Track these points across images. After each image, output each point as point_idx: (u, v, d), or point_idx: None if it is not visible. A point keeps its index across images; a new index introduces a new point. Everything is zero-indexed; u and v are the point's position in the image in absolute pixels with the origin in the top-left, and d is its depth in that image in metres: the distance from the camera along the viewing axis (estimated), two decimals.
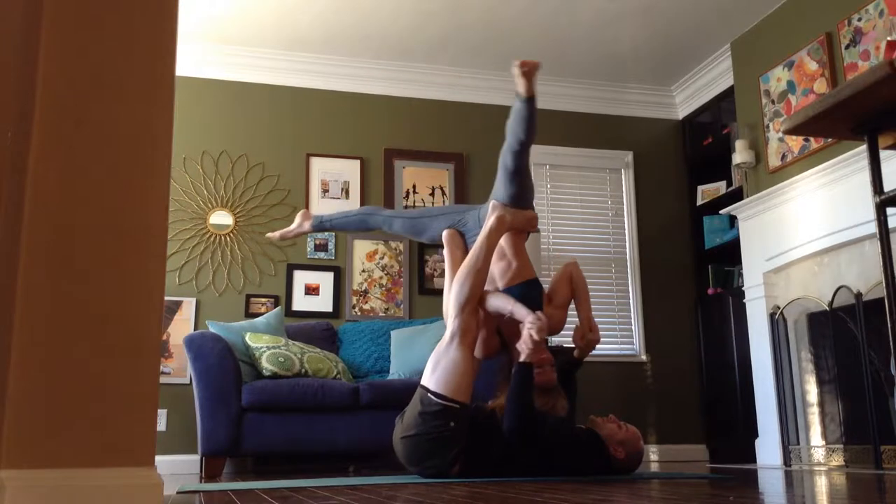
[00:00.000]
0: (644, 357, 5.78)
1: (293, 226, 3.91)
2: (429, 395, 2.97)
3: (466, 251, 3.42)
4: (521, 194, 3.42)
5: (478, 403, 3.16)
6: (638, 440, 3.10)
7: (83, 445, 1.35)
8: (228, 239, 5.28)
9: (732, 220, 5.45)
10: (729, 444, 5.35)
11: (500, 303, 3.20)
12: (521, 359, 3.00)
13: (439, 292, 5.49)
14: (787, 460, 4.53)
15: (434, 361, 3.06)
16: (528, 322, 3.01)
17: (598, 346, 3.48)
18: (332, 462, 4.73)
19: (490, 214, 3.33)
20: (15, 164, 1.48)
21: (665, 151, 6.19)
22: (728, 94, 5.63)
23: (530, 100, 3.25)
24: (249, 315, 5.13)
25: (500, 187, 3.42)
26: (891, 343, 2.32)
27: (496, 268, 3.35)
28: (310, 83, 5.64)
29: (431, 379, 3.01)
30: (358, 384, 4.36)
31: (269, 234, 4.07)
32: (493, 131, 5.85)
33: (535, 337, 2.97)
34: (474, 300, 3.13)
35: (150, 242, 1.48)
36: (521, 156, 3.34)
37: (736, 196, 5.35)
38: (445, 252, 3.50)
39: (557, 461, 3.00)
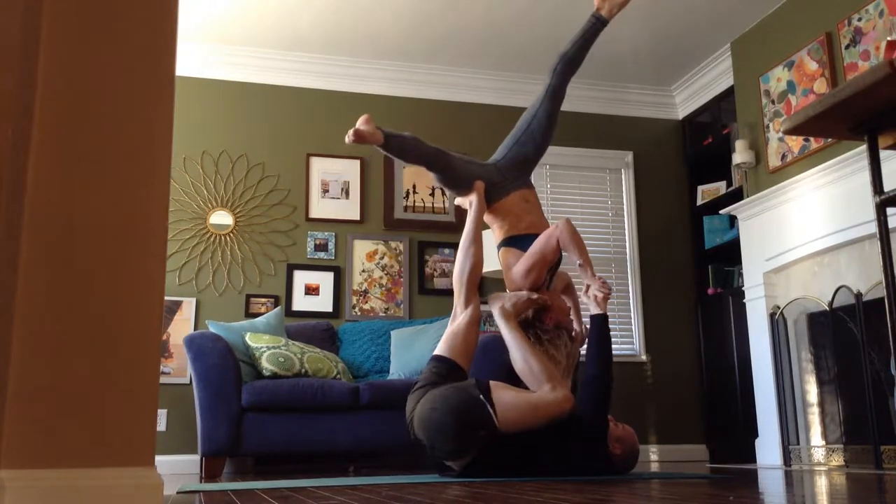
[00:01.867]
0: (644, 357, 5.78)
1: (368, 127, 3.34)
2: (487, 405, 2.95)
3: (485, 209, 3.48)
4: (546, 144, 3.68)
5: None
6: (634, 438, 3.14)
7: (83, 445, 1.35)
8: (228, 239, 5.28)
9: (732, 220, 5.45)
10: (729, 444, 5.35)
11: (580, 254, 3.26)
12: (596, 311, 3.22)
13: (439, 292, 5.50)
14: (786, 460, 4.53)
15: (513, 388, 3.04)
16: (598, 281, 3.24)
17: None
18: (332, 462, 4.72)
19: (493, 310, 3.27)
20: (15, 164, 1.48)
21: (665, 151, 6.19)
22: (728, 94, 5.63)
23: (604, 25, 3.59)
24: (249, 315, 5.13)
25: (532, 139, 3.63)
26: (891, 343, 2.32)
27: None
28: (310, 83, 5.64)
29: (502, 394, 2.99)
30: (358, 384, 4.36)
31: (348, 138, 3.35)
32: (493, 131, 5.87)
33: (605, 291, 3.20)
34: (553, 372, 3.09)
35: (150, 242, 1.48)
36: (567, 79, 3.70)
37: (736, 196, 5.35)
38: (473, 203, 3.44)
39: (564, 456, 3.00)
